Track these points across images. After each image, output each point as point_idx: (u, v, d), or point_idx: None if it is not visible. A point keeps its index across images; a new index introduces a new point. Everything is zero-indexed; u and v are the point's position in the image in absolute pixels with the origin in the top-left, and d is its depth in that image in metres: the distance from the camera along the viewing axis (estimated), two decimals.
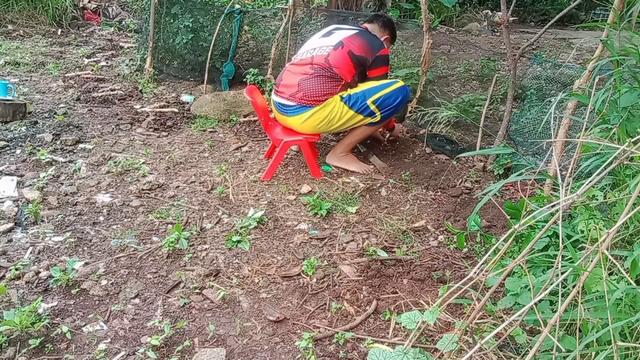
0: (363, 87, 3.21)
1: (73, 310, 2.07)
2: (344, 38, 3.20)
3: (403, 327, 2.06)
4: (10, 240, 2.46)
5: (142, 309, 2.11)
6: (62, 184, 2.98)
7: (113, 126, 3.84)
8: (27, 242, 2.46)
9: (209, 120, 4.08)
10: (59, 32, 6.53)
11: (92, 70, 5.13)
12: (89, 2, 7.38)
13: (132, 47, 5.97)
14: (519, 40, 6.85)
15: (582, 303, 1.30)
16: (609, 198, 1.77)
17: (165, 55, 4.95)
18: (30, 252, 2.40)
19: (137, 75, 4.98)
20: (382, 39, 3.33)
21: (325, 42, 3.23)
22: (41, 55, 5.47)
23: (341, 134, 3.60)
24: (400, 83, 3.29)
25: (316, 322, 2.10)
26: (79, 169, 3.14)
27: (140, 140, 3.66)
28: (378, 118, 3.25)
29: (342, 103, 3.16)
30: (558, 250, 1.42)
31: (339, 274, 2.39)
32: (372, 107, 3.19)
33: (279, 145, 3.21)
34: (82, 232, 2.57)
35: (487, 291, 1.40)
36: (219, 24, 4.57)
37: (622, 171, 1.81)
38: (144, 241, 2.55)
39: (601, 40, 2.34)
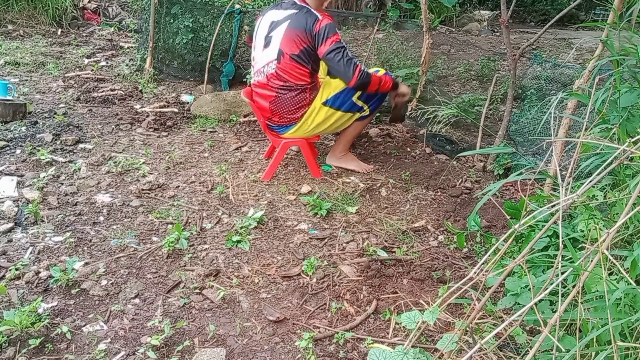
0: (342, 86, 3.03)
1: (73, 310, 2.07)
2: (280, 45, 2.95)
3: (403, 327, 2.06)
4: (10, 240, 2.46)
5: (142, 309, 2.11)
6: (62, 184, 2.98)
7: (113, 126, 3.84)
8: (27, 242, 2.46)
9: (209, 120, 4.08)
10: (59, 32, 6.53)
11: (92, 70, 5.13)
12: (89, 2, 7.38)
13: (132, 47, 5.97)
14: (519, 40, 6.85)
15: (582, 303, 1.30)
16: (609, 198, 1.77)
17: (165, 55, 4.95)
18: (30, 252, 2.40)
19: (137, 75, 4.98)
20: (323, 5, 3.05)
21: (269, 57, 3.01)
22: (41, 55, 5.47)
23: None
24: (382, 72, 3.20)
25: (316, 322, 2.10)
26: (79, 169, 3.14)
27: (140, 140, 3.66)
28: (367, 112, 3.21)
29: (326, 108, 3.07)
30: (558, 250, 1.43)
31: (339, 274, 2.39)
32: (359, 103, 3.12)
33: (278, 145, 3.21)
34: (82, 232, 2.57)
35: (487, 291, 1.40)
36: (219, 24, 4.57)
37: (622, 171, 1.81)
38: (144, 241, 2.55)
39: (601, 40, 2.34)
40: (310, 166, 3.27)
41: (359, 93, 3.09)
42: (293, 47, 2.93)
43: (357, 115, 3.20)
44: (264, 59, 3.05)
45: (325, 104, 3.08)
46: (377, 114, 4.13)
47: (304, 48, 2.92)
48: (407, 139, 3.89)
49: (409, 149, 3.73)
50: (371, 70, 3.10)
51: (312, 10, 2.95)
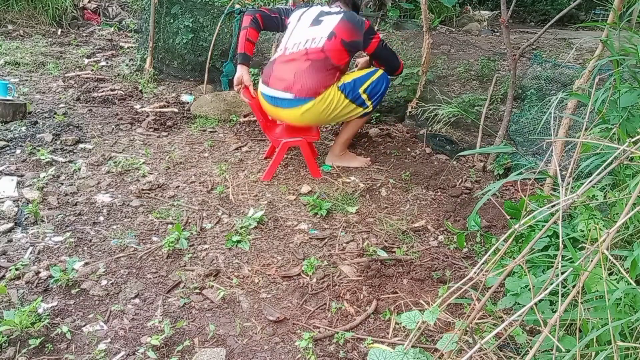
0: (352, 76, 3.24)
1: (73, 310, 2.07)
2: (334, 27, 3.13)
3: (403, 327, 2.06)
4: (10, 240, 2.46)
5: (142, 309, 2.11)
6: (62, 184, 2.98)
7: (113, 126, 3.84)
8: (27, 242, 2.46)
9: (209, 120, 4.08)
10: (59, 32, 6.53)
11: (92, 70, 5.13)
12: (89, 2, 7.38)
13: (132, 47, 5.98)
14: (519, 40, 6.85)
15: (582, 303, 1.30)
16: (609, 198, 1.77)
17: (165, 55, 4.95)
18: (30, 252, 2.39)
19: (137, 75, 4.98)
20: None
21: (317, 33, 3.15)
22: (41, 55, 5.47)
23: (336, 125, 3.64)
24: (382, 71, 3.34)
25: (316, 322, 2.10)
26: (79, 169, 3.14)
27: (140, 140, 3.66)
28: (370, 108, 3.29)
29: (339, 92, 3.16)
30: (558, 250, 1.43)
31: (339, 274, 2.39)
32: (364, 96, 3.23)
33: (278, 146, 3.21)
34: (82, 232, 2.57)
35: (487, 291, 1.40)
36: (219, 24, 4.57)
37: (622, 171, 1.81)
38: (144, 241, 2.55)
39: (601, 40, 2.34)
40: (310, 166, 3.27)
41: (365, 86, 3.21)
42: (346, 34, 3.14)
43: (359, 110, 3.26)
44: (309, 34, 3.18)
45: (339, 88, 3.17)
46: (377, 114, 4.14)
47: (354, 41, 3.15)
48: (407, 139, 3.89)
49: (409, 149, 3.73)
50: (372, 69, 3.34)
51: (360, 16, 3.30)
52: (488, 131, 3.70)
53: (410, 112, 4.05)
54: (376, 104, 3.32)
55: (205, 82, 4.62)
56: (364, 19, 3.24)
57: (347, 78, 3.23)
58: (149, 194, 2.96)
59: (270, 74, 3.18)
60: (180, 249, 2.47)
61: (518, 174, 1.65)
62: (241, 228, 2.65)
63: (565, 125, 2.66)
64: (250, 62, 3.39)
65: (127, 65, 5.24)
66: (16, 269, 2.23)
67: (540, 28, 7.33)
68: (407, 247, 2.63)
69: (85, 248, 2.46)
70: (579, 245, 1.79)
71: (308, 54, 3.11)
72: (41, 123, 3.74)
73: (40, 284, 2.18)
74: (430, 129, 3.84)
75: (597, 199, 1.86)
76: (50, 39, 6.20)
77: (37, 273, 2.24)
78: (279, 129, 3.39)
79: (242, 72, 3.28)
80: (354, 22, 3.17)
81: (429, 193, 3.16)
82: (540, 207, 1.41)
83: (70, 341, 1.92)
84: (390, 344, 1.97)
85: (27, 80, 4.71)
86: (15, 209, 2.69)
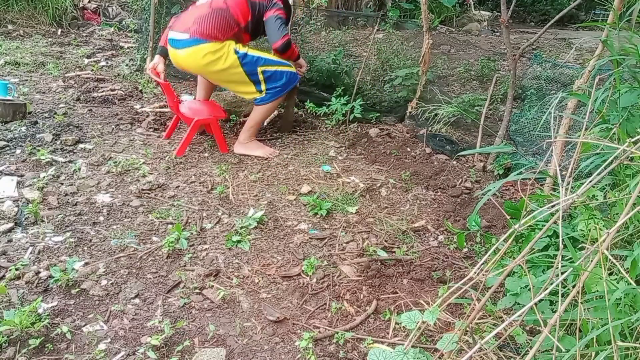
0: (260, 53, 3.37)
1: (73, 310, 2.07)
2: None
3: (403, 327, 2.06)
4: (10, 240, 2.46)
5: (142, 309, 2.11)
6: (62, 184, 2.98)
7: (113, 126, 3.84)
8: (27, 242, 2.46)
9: None
10: (59, 32, 6.53)
11: (92, 70, 5.13)
12: (89, 2, 7.38)
13: (132, 47, 5.97)
14: (519, 40, 6.85)
15: (582, 303, 1.30)
16: (609, 198, 1.77)
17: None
18: (30, 252, 2.39)
19: (137, 75, 4.98)
20: None
21: None
22: (41, 55, 5.47)
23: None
24: (293, 68, 3.46)
25: (316, 322, 2.10)
26: (79, 169, 3.14)
27: (140, 140, 3.66)
28: (264, 94, 3.39)
29: (235, 55, 3.28)
30: (558, 250, 1.42)
31: (339, 274, 2.39)
32: (260, 77, 3.35)
33: (190, 124, 3.40)
34: (82, 232, 2.57)
35: (487, 291, 1.40)
36: None
37: (622, 171, 1.81)
38: (144, 241, 2.55)
39: (601, 40, 2.35)
40: (219, 142, 3.52)
41: (266, 67, 3.33)
42: None
43: (252, 89, 3.39)
44: None
45: (236, 52, 3.28)
46: (377, 114, 4.14)
47: (258, 2, 3.34)
48: (407, 139, 3.89)
49: (409, 149, 3.73)
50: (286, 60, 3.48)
51: None
52: (488, 131, 3.70)
53: (410, 112, 4.05)
54: (273, 94, 3.41)
55: None
56: None
57: (254, 51, 3.37)
58: (149, 194, 2.96)
59: (176, 21, 3.39)
60: (180, 249, 2.47)
61: (518, 174, 1.65)
62: (241, 228, 2.65)
63: (565, 125, 2.66)
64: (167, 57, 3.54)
65: (127, 65, 5.24)
66: (16, 269, 2.23)
67: (540, 28, 7.33)
68: (407, 247, 2.63)
69: (85, 248, 2.46)
70: (579, 245, 1.79)
71: (212, 4, 3.30)
72: (41, 123, 3.74)
73: (40, 284, 2.18)
74: (430, 129, 3.84)
75: (597, 199, 1.86)
76: (50, 39, 6.20)
77: (37, 273, 2.24)
78: (187, 107, 3.57)
79: (158, 61, 3.48)
80: None
81: (429, 193, 3.16)
82: (540, 207, 1.41)
83: (70, 341, 1.92)
84: (390, 344, 1.97)
85: (27, 80, 4.70)
86: (15, 209, 2.69)
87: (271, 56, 3.41)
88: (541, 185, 2.83)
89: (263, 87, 3.38)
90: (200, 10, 3.31)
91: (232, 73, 3.32)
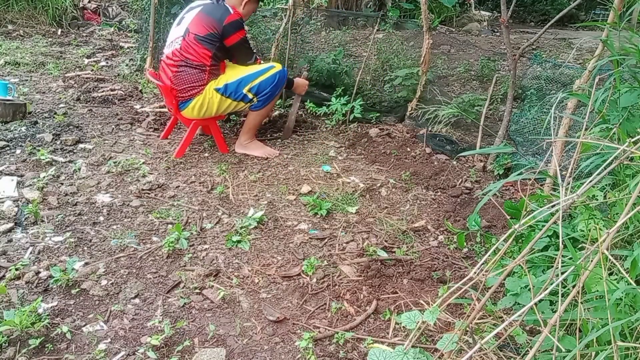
0: (240, 74, 3.35)
1: (73, 310, 2.07)
2: (189, 24, 3.27)
3: (403, 327, 2.06)
4: (10, 240, 2.46)
5: (142, 309, 2.11)
6: (62, 184, 2.98)
7: (113, 126, 3.84)
8: (27, 242, 2.46)
9: None
10: (59, 32, 6.53)
11: (92, 70, 5.13)
12: (89, 2, 7.38)
13: (132, 47, 5.97)
14: (519, 40, 6.85)
15: (582, 303, 1.30)
16: (609, 198, 1.77)
17: None
18: (30, 252, 2.39)
19: (137, 75, 4.98)
20: (242, 4, 3.37)
21: (177, 33, 3.33)
22: (41, 55, 5.47)
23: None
24: (277, 68, 3.45)
25: (316, 322, 2.10)
26: (79, 169, 3.14)
27: (140, 140, 3.66)
28: (255, 101, 3.43)
29: (217, 94, 3.32)
30: (558, 250, 1.42)
31: (339, 274, 2.39)
32: (250, 95, 3.38)
33: (189, 125, 3.45)
34: (82, 232, 2.57)
35: (487, 291, 1.40)
36: None
37: (622, 171, 1.81)
38: (144, 241, 2.55)
39: (601, 40, 2.35)
40: (218, 143, 3.55)
41: (251, 85, 3.35)
42: (199, 28, 3.24)
43: (246, 105, 3.46)
44: (174, 35, 3.38)
45: (217, 90, 3.32)
46: (377, 114, 4.14)
47: (210, 34, 3.23)
48: (407, 139, 3.88)
49: (409, 149, 3.73)
50: (267, 64, 3.47)
51: (228, 6, 3.30)
52: (488, 131, 3.70)
53: (410, 112, 4.05)
54: (264, 100, 3.44)
55: None
56: (232, 11, 3.25)
57: (233, 76, 3.35)
58: (149, 194, 2.96)
59: (161, 76, 3.43)
60: (180, 249, 2.47)
61: (518, 174, 1.65)
62: (241, 228, 2.65)
63: (565, 125, 2.66)
64: None
65: (127, 65, 5.24)
66: (16, 269, 2.23)
67: (540, 28, 7.33)
68: (407, 247, 2.63)
69: (85, 248, 2.46)
70: (579, 245, 1.79)
71: (172, 58, 3.31)
72: (41, 123, 3.74)
73: (40, 284, 2.18)
74: (430, 129, 3.84)
75: (597, 199, 1.86)
76: (50, 39, 6.20)
77: (37, 273, 2.24)
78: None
79: (300, 81, 3.72)
80: (212, 14, 3.24)
81: (429, 193, 3.16)
82: (540, 207, 1.41)
83: (70, 341, 1.92)
84: (390, 344, 1.97)
85: (27, 80, 4.70)
86: (15, 209, 2.69)
87: (250, 70, 3.39)
88: (541, 185, 2.83)
89: (254, 98, 3.42)
90: (169, 70, 3.31)
91: (224, 107, 3.39)
